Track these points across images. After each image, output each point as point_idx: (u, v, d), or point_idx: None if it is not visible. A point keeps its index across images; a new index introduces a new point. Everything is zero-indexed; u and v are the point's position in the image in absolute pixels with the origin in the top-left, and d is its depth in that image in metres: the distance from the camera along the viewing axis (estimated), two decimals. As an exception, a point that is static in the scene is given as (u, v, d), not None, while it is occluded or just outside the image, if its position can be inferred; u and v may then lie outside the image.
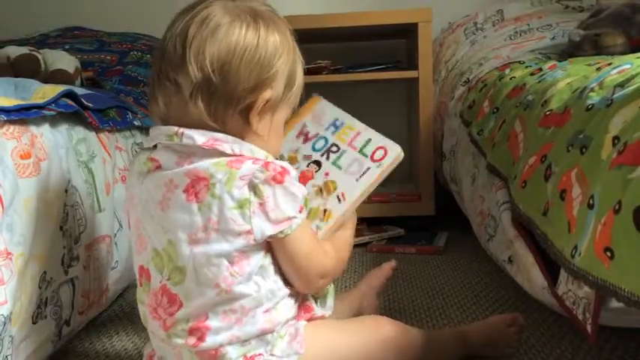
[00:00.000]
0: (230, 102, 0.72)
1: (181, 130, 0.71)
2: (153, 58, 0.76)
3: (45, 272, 0.90)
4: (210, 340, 0.72)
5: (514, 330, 0.94)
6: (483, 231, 1.27)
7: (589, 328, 0.74)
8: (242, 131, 0.74)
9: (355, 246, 1.41)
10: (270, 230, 0.71)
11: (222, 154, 0.71)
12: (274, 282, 0.75)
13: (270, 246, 0.74)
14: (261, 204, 0.70)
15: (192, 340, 0.72)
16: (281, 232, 0.71)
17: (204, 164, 0.71)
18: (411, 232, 1.82)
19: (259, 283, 0.73)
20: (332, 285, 0.85)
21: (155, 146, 0.76)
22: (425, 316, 1.18)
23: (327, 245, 0.80)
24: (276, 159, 0.76)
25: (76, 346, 1.10)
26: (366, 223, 1.83)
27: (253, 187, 0.69)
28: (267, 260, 0.74)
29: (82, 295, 1.04)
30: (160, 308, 0.74)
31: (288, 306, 0.77)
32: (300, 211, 0.73)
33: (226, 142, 0.71)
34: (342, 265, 0.83)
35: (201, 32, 0.71)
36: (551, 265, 0.87)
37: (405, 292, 1.33)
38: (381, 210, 1.85)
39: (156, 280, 0.75)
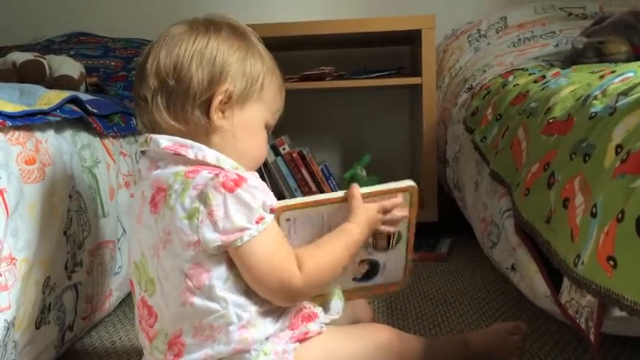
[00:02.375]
0: (186, 99, 0.74)
1: (150, 135, 0.74)
2: None
3: (48, 277, 0.90)
4: (186, 358, 0.71)
5: (517, 338, 0.93)
6: (486, 238, 1.27)
7: (592, 336, 0.74)
8: (207, 130, 0.75)
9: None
10: (217, 241, 0.67)
11: (187, 159, 0.72)
12: (244, 295, 0.71)
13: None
14: (209, 213, 0.67)
15: (170, 356, 0.72)
16: (232, 243, 0.68)
17: (166, 173, 0.71)
18: (414, 239, 1.81)
19: (227, 298, 0.70)
20: (338, 287, 0.84)
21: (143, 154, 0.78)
22: (427, 323, 1.18)
23: (307, 257, 0.73)
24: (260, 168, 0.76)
25: (78, 352, 1.10)
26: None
27: (203, 196, 0.68)
28: (232, 272, 0.71)
29: (85, 301, 1.04)
30: (142, 320, 0.75)
31: (266, 322, 0.73)
32: (258, 222, 0.69)
33: (190, 148, 0.72)
34: (325, 274, 0.76)
35: (158, 45, 0.76)
36: (554, 273, 0.87)
37: (408, 298, 1.33)
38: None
39: (137, 292, 0.76)
